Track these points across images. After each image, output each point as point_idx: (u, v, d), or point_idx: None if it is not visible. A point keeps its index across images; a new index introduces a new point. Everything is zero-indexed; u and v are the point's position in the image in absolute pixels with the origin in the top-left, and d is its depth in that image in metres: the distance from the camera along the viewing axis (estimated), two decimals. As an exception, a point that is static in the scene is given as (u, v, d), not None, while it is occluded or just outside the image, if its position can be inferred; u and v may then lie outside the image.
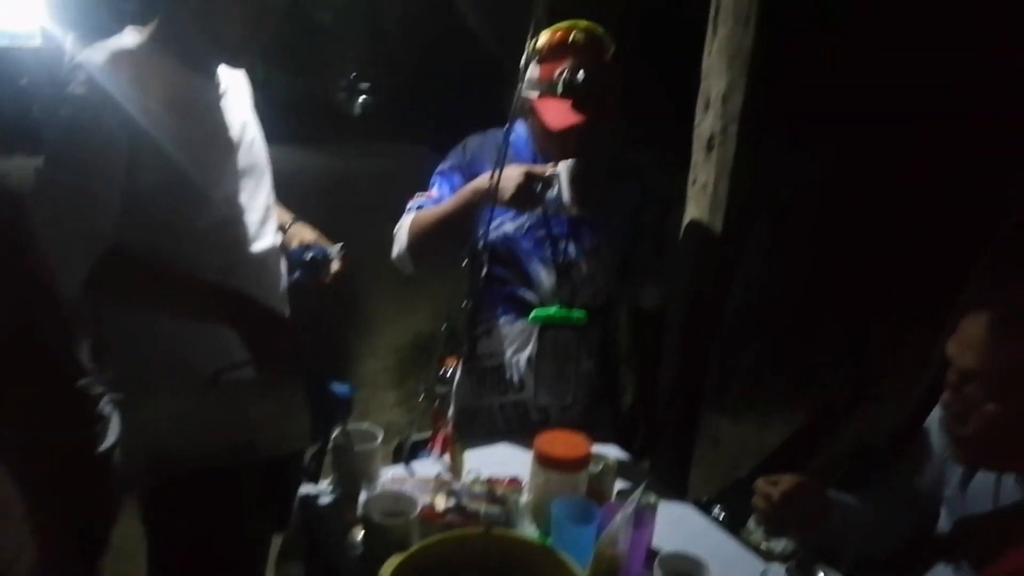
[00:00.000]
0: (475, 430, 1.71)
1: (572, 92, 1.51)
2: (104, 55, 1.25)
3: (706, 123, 1.76)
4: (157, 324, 1.32)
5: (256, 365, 1.23)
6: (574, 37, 1.53)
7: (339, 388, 1.31)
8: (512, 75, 1.45)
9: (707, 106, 1.76)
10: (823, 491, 1.26)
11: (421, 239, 1.64)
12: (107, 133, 1.22)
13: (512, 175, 1.46)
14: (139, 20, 1.40)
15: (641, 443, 1.87)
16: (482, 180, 1.47)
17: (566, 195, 1.49)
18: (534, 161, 1.63)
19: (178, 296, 1.29)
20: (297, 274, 1.57)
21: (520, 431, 1.64)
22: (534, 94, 1.56)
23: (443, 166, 1.70)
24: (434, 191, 1.68)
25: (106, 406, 1.34)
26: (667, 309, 1.83)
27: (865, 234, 4.24)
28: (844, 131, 4.52)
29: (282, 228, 1.61)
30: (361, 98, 12.78)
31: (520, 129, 1.68)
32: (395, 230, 1.70)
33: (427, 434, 1.55)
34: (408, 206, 1.70)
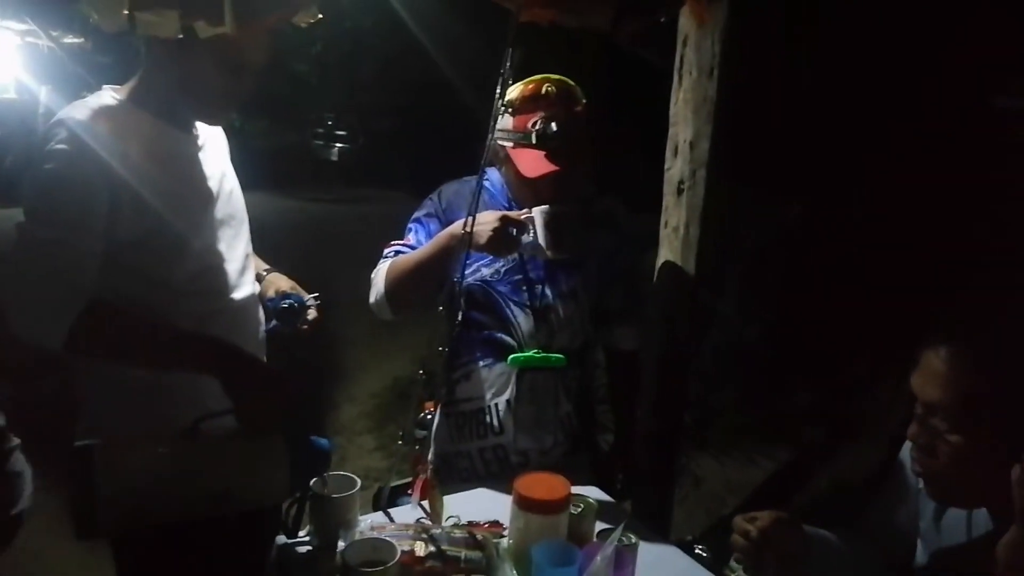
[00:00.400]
0: (454, 475, 1.71)
1: (546, 143, 1.56)
2: (85, 112, 1.27)
3: (675, 168, 1.82)
4: (134, 374, 1.32)
5: (238, 415, 1.22)
6: (546, 89, 1.59)
7: (319, 441, 1.31)
8: (485, 125, 1.49)
9: (675, 152, 1.81)
10: (800, 527, 1.27)
11: (398, 285, 1.65)
12: (89, 187, 1.22)
13: (488, 220, 1.49)
14: (114, 75, 1.43)
15: (621, 484, 1.87)
16: (458, 226, 1.49)
17: (542, 239, 1.52)
18: (509, 207, 1.67)
19: (161, 347, 1.29)
20: (274, 323, 1.57)
21: (500, 475, 1.64)
22: (508, 144, 1.61)
23: (419, 213, 1.73)
24: (410, 238, 1.70)
25: (17, 462, 1.32)
26: (643, 349, 1.86)
27: (836, 276, 4.35)
28: (812, 177, 4.66)
29: (258, 278, 1.62)
30: (338, 145, 12.93)
31: (495, 176, 1.72)
32: (372, 275, 1.72)
33: (407, 479, 1.55)
34: (384, 253, 1.72)
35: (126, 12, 1.08)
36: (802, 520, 1.29)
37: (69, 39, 8.62)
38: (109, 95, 1.34)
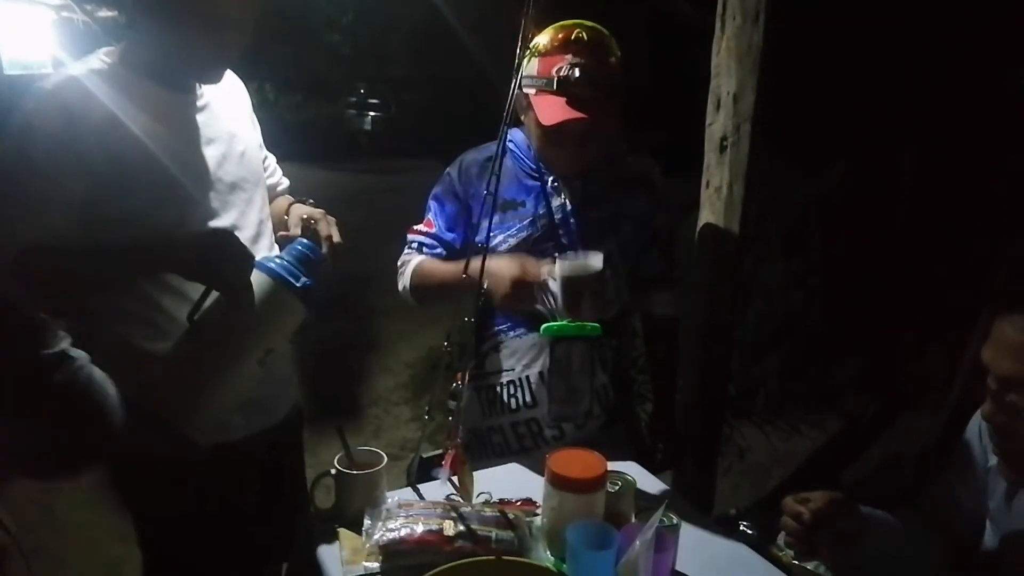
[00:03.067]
0: (487, 451, 1.65)
1: (567, 88, 1.45)
2: (64, 81, 1.21)
3: (718, 123, 1.70)
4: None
5: (220, 290, 1.16)
6: (576, 35, 1.48)
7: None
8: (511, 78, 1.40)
9: (718, 106, 1.69)
10: (855, 507, 1.18)
11: (422, 290, 1.63)
12: (50, 169, 1.17)
13: (504, 274, 1.42)
14: None
15: (661, 458, 1.79)
16: (474, 269, 1.41)
17: (560, 301, 1.41)
18: (536, 169, 1.58)
19: (114, 261, 1.22)
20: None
21: (534, 450, 1.58)
22: (532, 91, 1.51)
23: (436, 189, 1.65)
24: (431, 220, 1.64)
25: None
26: (683, 316, 1.77)
27: (883, 239, 4.16)
28: (857, 134, 4.44)
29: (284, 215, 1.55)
30: (370, 114, 12.90)
31: (518, 136, 1.63)
32: (398, 264, 1.67)
33: (439, 451, 1.49)
34: (408, 240, 1.67)
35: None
36: (855, 499, 1.20)
37: (103, 13, 8.66)
38: (98, 59, 1.28)
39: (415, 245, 1.66)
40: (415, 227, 1.68)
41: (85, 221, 1.20)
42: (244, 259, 1.17)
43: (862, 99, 4.29)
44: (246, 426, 1.42)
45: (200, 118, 1.36)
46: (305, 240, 1.28)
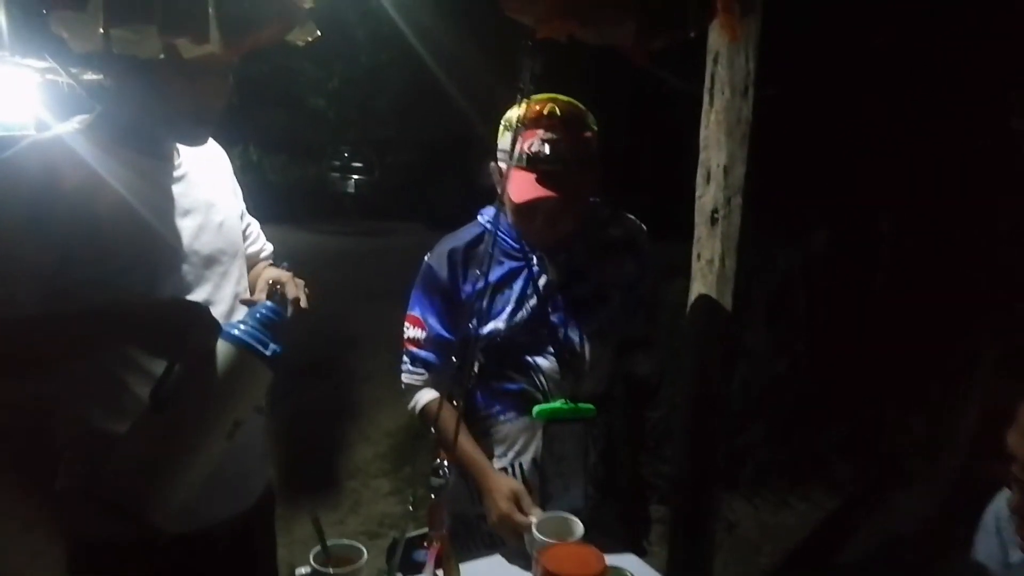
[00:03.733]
0: (475, 540, 1.56)
1: (536, 164, 1.42)
2: (33, 147, 1.17)
3: (708, 196, 1.68)
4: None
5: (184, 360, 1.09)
6: (550, 109, 1.46)
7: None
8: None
9: (708, 178, 1.68)
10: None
11: (430, 427, 1.57)
12: (12, 236, 1.12)
13: (498, 503, 1.43)
14: None
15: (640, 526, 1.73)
16: (493, 483, 1.45)
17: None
18: (519, 247, 1.54)
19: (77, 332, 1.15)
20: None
21: (523, 540, 1.50)
22: (504, 165, 1.48)
23: (420, 286, 1.60)
24: (421, 321, 1.59)
25: None
26: (669, 384, 1.73)
27: (866, 304, 4.17)
28: (836, 202, 4.52)
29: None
30: (354, 177, 12.98)
31: (491, 212, 1.60)
32: (403, 379, 1.62)
33: (422, 531, 1.40)
34: (406, 353, 1.61)
35: (101, 30, 0.96)
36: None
37: (88, 76, 8.72)
38: (72, 124, 1.24)
39: (418, 365, 1.60)
40: (407, 335, 1.61)
41: (50, 290, 1.14)
42: (210, 328, 1.11)
43: (842, 167, 4.38)
44: (215, 510, 1.32)
45: (177, 188, 1.31)
46: (269, 303, 1.21)
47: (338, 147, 13.18)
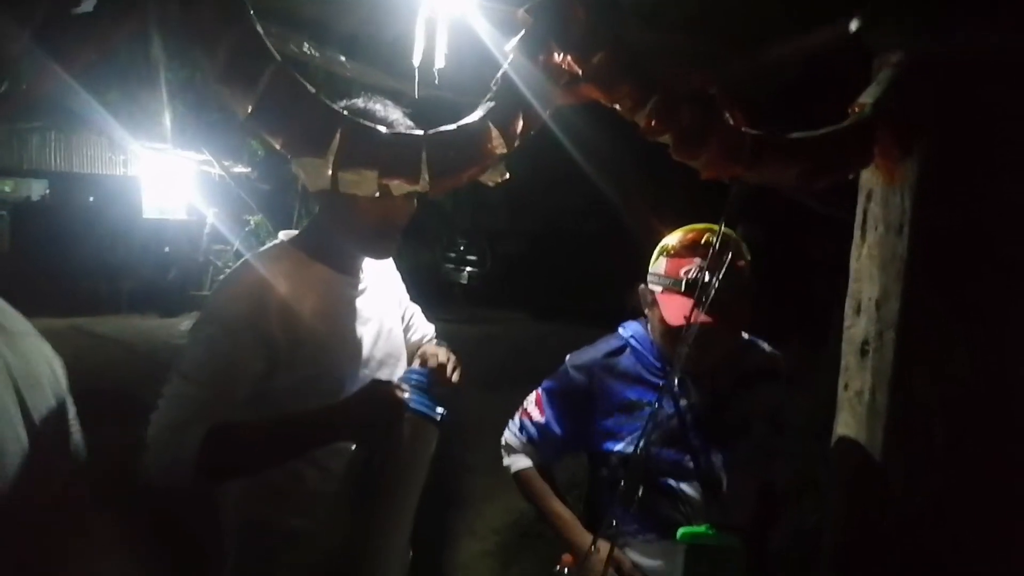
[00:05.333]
0: None
1: (695, 290, 1.49)
2: (258, 266, 1.35)
3: (858, 327, 1.67)
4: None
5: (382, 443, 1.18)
6: (707, 239, 1.53)
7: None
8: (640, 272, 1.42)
9: (858, 310, 1.67)
10: None
11: (525, 495, 1.68)
12: (243, 350, 1.27)
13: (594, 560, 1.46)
14: (272, 200, 1.51)
15: None
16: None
17: None
18: (658, 363, 1.58)
19: (287, 439, 1.26)
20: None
21: None
22: (658, 288, 1.54)
23: (548, 384, 1.71)
24: (542, 407, 1.68)
25: None
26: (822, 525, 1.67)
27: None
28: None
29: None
30: (468, 269, 13.42)
31: (640, 332, 1.65)
32: (504, 439, 1.74)
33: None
34: (518, 421, 1.71)
35: (330, 172, 1.11)
36: None
37: (238, 168, 9.64)
38: (283, 245, 1.40)
39: (525, 434, 1.69)
40: (526, 407, 1.69)
41: (255, 394, 1.27)
42: (397, 405, 1.22)
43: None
44: None
45: (360, 301, 1.45)
46: (416, 368, 1.32)
47: (454, 238, 13.73)
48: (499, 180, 1.24)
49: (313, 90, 1.04)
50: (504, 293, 12.49)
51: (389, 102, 1.39)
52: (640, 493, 1.52)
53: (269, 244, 1.46)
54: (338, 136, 1.05)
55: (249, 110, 1.00)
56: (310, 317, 1.33)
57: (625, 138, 1.42)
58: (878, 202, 1.62)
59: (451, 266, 13.42)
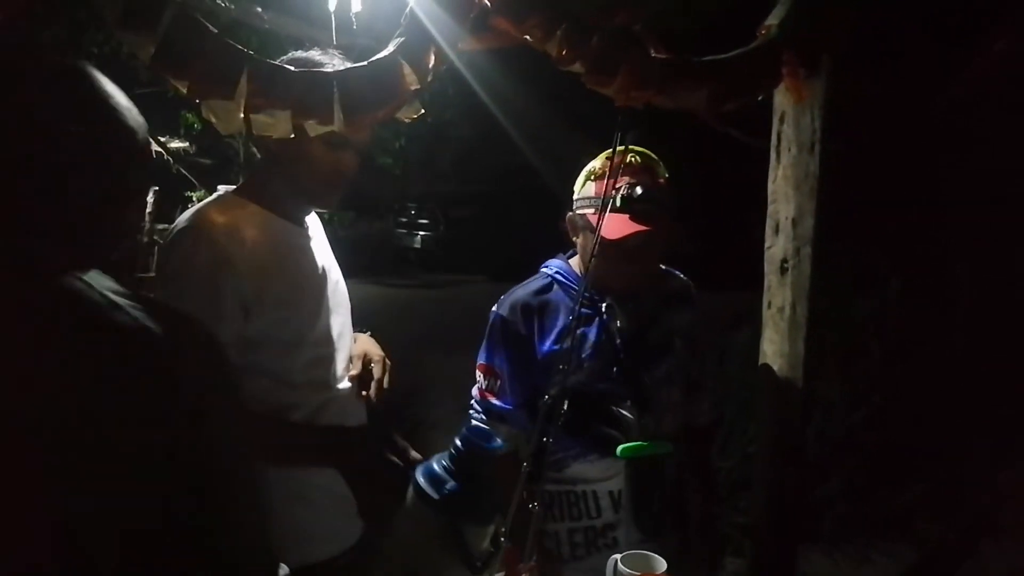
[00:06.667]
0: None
1: (631, 205, 1.54)
2: (211, 215, 1.33)
3: (777, 246, 1.75)
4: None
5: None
6: (631, 159, 1.58)
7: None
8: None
9: (776, 230, 1.75)
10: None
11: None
12: (220, 293, 1.27)
13: None
14: (215, 175, 1.50)
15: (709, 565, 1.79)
16: None
17: None
18: (588, 296, 1.62)
19: (281, 445, 1.29)
20: None
21: (585, 559, 1.59)
22: (589, 210, 1.59)
23: (493, 338, 1.69)
24: (491, 382, 1.67)
25: None
26: (741, 433, 1.77)
27: (944, 354, 4.07)
28: (910, 249, 4.46)
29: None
30: (420, 233, 13.37)
31: (564, 268, 1.70)
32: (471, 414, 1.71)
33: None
34: (477, 400, 1.70)
35: (242, 115, 1.12)
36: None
37: (175, 144, 9.35)
38: (229, 196, 1.40)
39: (492, 417, 1.66)
40: (479, 386, 1.70)
41: (240, 340, 1.29)
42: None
43: (914, 217, 4.34)
44: (316, 551, 1.43)
45: (308, 249, 1.47)
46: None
47: (405, 204, 13.63)
48: (415, 116, 1.26)
49: (216, 31, 1.05)
50: (460, 256, 12.49)
51: (337, 53, 1.36)
52: (577, 417, 1.58)
53: (212, 196, 1.44)
54: (245, 76, 1.05)
55: (152, 52, 1.00)
56: (269, 262, 1.34)
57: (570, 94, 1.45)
58: (790, 123, 1.69)
59: (403, 231, 13.35)
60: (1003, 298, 4.18)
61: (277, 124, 1.14)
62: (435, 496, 1.08)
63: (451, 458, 1.32)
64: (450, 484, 1.08)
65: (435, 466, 1.18)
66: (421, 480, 1.16)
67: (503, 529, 1.34)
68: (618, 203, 1.53)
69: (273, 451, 1.28)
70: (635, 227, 1.52)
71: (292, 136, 1.15)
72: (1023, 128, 4.02)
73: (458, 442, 1.35)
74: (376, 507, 1.18)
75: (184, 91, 1.06)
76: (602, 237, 1.53)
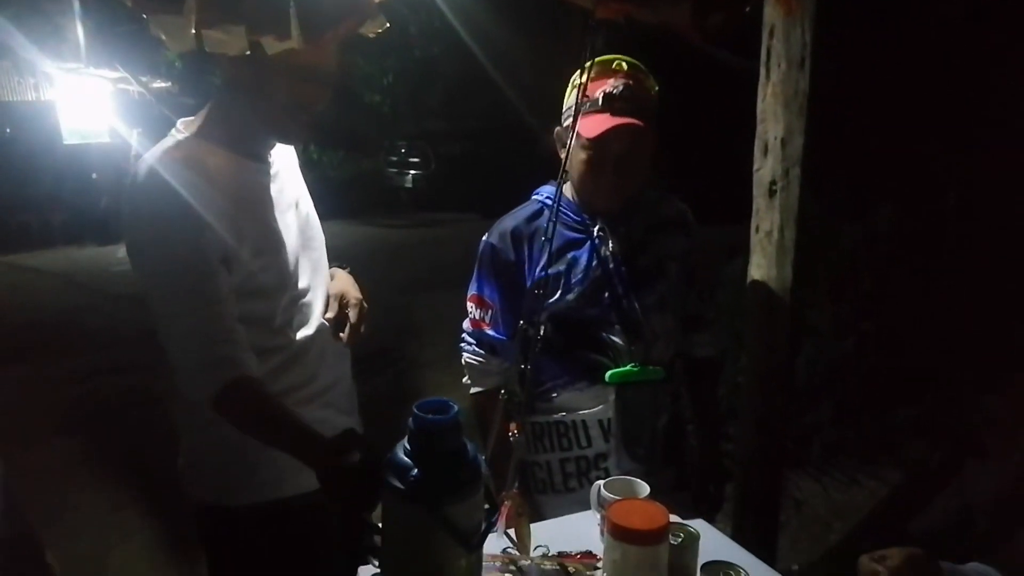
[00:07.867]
0: (529, 486, 1.63)
1: (611, 103, 1.47)
2: (167, 160, 1.24)
3: (766, 168, 1.70)
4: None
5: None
6: (617, 64, 1.51)
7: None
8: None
9: (765, 151, 1.70)
10: (937, 565, 1.12)
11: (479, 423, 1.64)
12: (204, 253, 1.22)
13: None
14: (189, 114, 1.39)
15: (711, 501, 1.75)
16: None
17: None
18: (579, 219, 1.58)
19: (279, 432, 1.25)
20: None
21: (578, 490, 1.57)
22: (571, 121, 1.53)
23: (483, 267, 1.65)
24: (482, 312, 1.64)
25: None
26: (732, 362, 1.75)
27: (934, 279, 4.05)
28: (902, 174, 4.39)
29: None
30: (411, 172, 13.17)
31: (549, 189, 1.64)
32: (463, 359, 1.68)
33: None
34: (469, 330, 1.67)
35: (193, 31, 1.05)
36: (936, 555, 1.14)
37: (157, 84, 9.12)
38: (186, 140, 1.29)
39: (483, 347, 1.65)
40: (473, 315, 1.66)
41: (237, 289, 1.25)
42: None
43: (905, 142, 4.26)
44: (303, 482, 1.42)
45: (275, 186, 1.38)
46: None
47: (395, 142, 13.38)
48: (379, 31, 1.19)
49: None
50: (451, 194, 12.33)
51: None
52: (565, 343, 1.56)
53: (163, 140, 1.35)
54: (192, -14, 0.98)
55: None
56: (237, 210, 1.26)
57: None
58: (780, 38, 1.62)
59: (394, 171, 13.14)
60: (993, 226, 4.14)
61: (231, 41, 1.07)
62: (402, 487, 1.02)
63: (409, 440, 1.26)
64: (413, 471, 1.02)
65: (399, 453, 1.12)
66: (388, 473, 1.11)
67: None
68: (600, 103, 1.47)
69: (269, 431, 1.25)
70: (613, 121, 1.46)
71: (248, 54, 1.08)
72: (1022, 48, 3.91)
73: (409, 421, 1.29)
74: (352, 519, 1.14)
75: (129, 3, 0.99)
76: (581, 135, 1.47)
